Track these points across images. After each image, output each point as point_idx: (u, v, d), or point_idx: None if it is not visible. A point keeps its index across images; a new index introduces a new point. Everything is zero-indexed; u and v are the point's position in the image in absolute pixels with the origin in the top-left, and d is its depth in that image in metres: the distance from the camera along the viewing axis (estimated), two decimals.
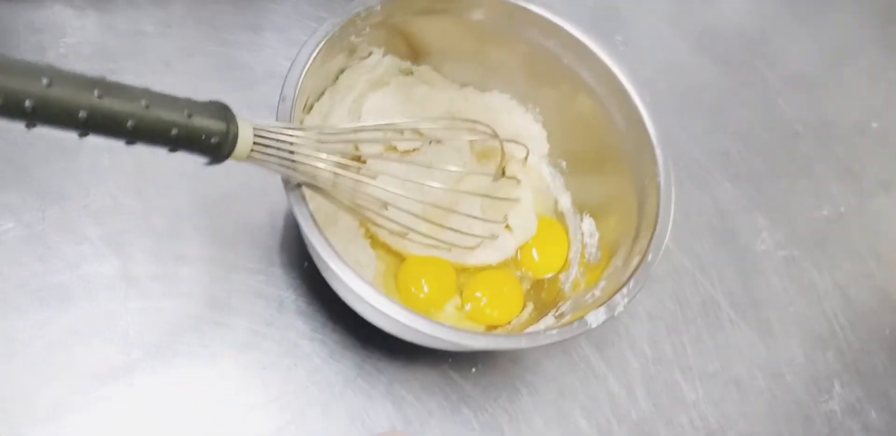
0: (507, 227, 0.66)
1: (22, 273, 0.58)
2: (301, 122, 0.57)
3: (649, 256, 0.57)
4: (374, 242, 0.65)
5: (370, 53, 0.63)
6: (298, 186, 0.51)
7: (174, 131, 0.41)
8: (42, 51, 0.66)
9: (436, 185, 0.56)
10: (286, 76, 0.54)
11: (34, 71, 0.35)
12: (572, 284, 0.66)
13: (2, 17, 0.66)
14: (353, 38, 0.59)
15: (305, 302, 0.63)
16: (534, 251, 0.68)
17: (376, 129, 0.60)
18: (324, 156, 0.49)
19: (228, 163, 0.46)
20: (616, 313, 0.54)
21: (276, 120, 0.52)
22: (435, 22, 0.64)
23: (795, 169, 0.84)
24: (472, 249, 0.65)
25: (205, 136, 0.42)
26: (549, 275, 0.68)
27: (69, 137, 0.62)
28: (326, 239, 0.50)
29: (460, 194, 0.63)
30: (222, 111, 0.43)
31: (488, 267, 0.66)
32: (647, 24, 0.87)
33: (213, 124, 0.42)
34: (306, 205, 0.51)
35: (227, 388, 0.59)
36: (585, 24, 0.62)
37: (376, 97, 0.66)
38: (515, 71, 0.68)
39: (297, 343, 0.62)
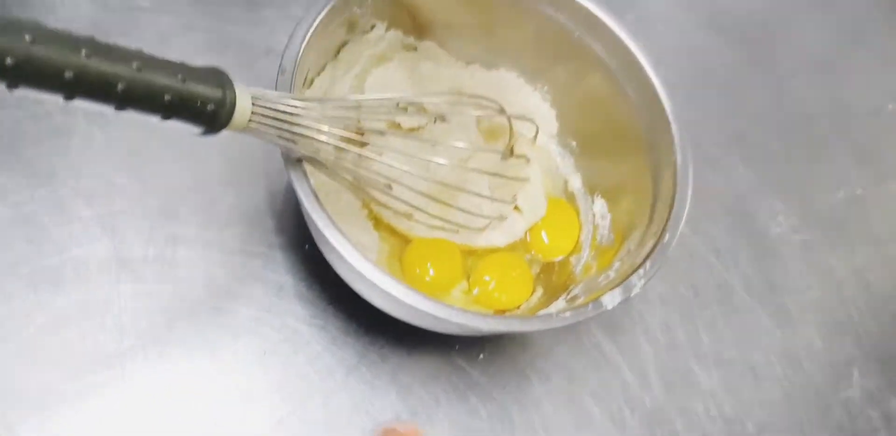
0: (516, 208, 0.64)
1: (10, 256, 0.56)
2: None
3: (666, 237, 0.54)
4: (378, 223, 0.62)
5: (372, 27, 0.61)
6: (299, 161, 0.49)
7: (167, 97, 0.38)
8: None
9: (442, 161, 0.54)
10: (286, 47, 0.52)
11: (17, 26, 0.32)
12: (584, 268, 0.64)
13: None
14: (355, 9, 0.57)
15: (306, 287, 0.61)
16: (543, 233, 0.65)
17: (379, 102, 0.57)
18: (325, 128, 0.47)
19: (224, 134, 0.43)
20: (632, 295, 0.52)
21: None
22: None
23: (811, 151, 0.82)
24: (479, 230, 0.62)
25: (200, 102, 0.40)
26: (560, 258, 0.65)
27: (59, 112, 0.61)
28: (329, 215, 0.48)
29: (468, 173, 0.61)
30: (219, 77, 0.41)
31: (496, 250, 0.64)
32: (659, 4, 0.84)
33: (209, 91, 0.40)
34: (308, 181, 0.49)
35: (225, 376, 0.57)
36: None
37: (379, 73, 0.63)
38: (524, 47, 0.65)
39: (298, 329, 0.59)
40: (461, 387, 0.61)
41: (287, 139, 0.46)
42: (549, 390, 0.63)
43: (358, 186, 0.54)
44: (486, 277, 0.62)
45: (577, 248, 0.65)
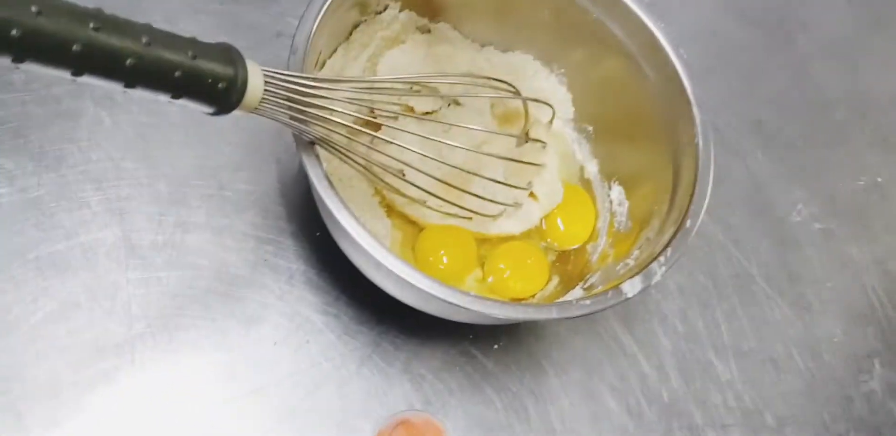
0: (532, 194, 0.62)
1: (17, 241, 0.55)
2: None
3: (687, 224, 0.53)
4: (390, 210, 0.61)
5: (386, 7, 0.59)
6: (312, 144, 0.48)
7: (177, 74, 0.37)
8: None
9: (456, 144, 0.53)
10: (297, 25, 0.50)
11: None
12: (600, 256, 0.62)
13: None
14: None
15: (317, 274, 0.60)
16: (559, 221, 0.64)
17: (393, 83, 0.56)
18: (339, 109, 0.46)
19: (234, 119, 0.42)
20: (653, 283, 0.51)
21: None
22: None
23: (831, 138, 0.80)
24: (494, 217, 0.61)
25: (211, 80, 0.38)
26: (576, 246, 0.64)
27: (66, 96, 0.60)
28: (342, 200, 0.46)
29: (482, 158, 0.59)
30: (230, 54, 0.40)
31: (511, 237, 0.63)
32: None
33: (221, 68, 0.39)
34: (320, 165, 0.47)
35: (235, 365, 0.56)
36: None
37: (392, 55, 0.62)
38: (540, 28, 0.64)
39: (310, 318, 0.58)
40: (476, 377, 0.60)
41: (299, 121, 0.45)
42: (566, 382, 0.62)
43: (370, 172, 0.53)
44: (501, 266, 0.61)
45: (593, 236, 0.64)
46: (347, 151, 0.48)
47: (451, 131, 0.62)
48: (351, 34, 0.59)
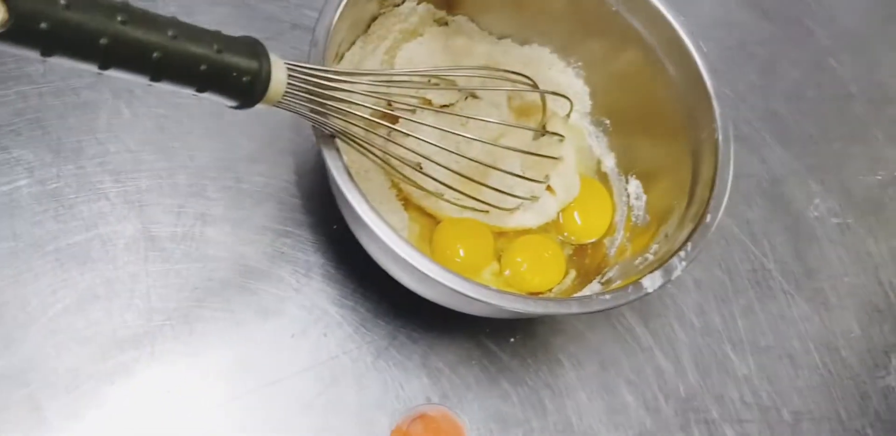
0: (549, 188, 0.62)
1: (37, 233, 0.55)
2: None
3: (707, 218, 0.53)
4: (407, 203, 0.61)
5: (404, 0, 0.59)
6: (332, 137, 0.47)
7: (203, 67, 0.37)
8: None
9: (473, 137, 0.52)
10: (318, 18, 0.50)
11: None
12: (618, 250, 0.62)
13: None
14: None
15: (334, 267, 0.60)
16: (576, 214, 0.64)
17: (411, 75, 0.56)
18: (359, 101, 0.45)
19: (252, 111, 0.42)
20: (673, 277, 0.50)
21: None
22: None
23: (848, 131, 0.79)
24: (511, 211, 0.61)
25: (236, 73, 0.38)
26: (593, 240, 0.64)
27: (85, 88, 0.60)
28: (361, 192, 0.46)
29: (499, 151, 0.59)
30: (255, 47, 0.39)
31: (528, 231, 0.63)
32: None
33: (245, 62, 0.38)
34: (341, 157, 0.47)
35: (254, 357, 0.56)
36: None
37: (410, 48, 0.62)
38: (557, 21, 0.64)
39: (327, 310, 0.58)
40: (492, 371, 0.60)
41: (319, 113, 0.45)
42: (582, 376, 0.62)
43: (388, 165, 0.53)
44: (518, 259, 0.61)
45: (610, 229, 0.64)
46: (366, 143, 0.48)
47: (468, 124, 0.61)
48: (369, 27, 0.59)
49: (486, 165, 0.55)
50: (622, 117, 0.65)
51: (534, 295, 0.61)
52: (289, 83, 0.41)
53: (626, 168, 0.65)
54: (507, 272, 0.61)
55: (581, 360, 0.62)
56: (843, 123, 0.80)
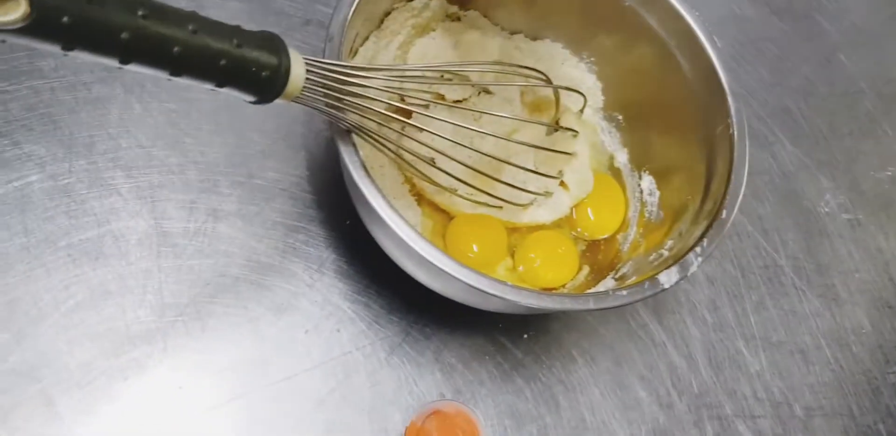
0: (563, 183, 0.62)
1: (49, 229, 0.55)
2: None
3: (723, 214, 0.53)
4: (421, 199, 0.61)
5: None
6: (347, 132, 0.47)
7: (223, 62, 0.36)
8: None
9: (487, 131, 0.52)
10: (332, 14, 0.50)
11: None
12: (632, 245, 0.62)
13: None
14: None
15: (347, 262, 0.59)
16: (589, 210, 0.63)
17: (424, 70, 0.56)
18: (374, 96, 0.45)
19: (265, 106, 0.41)
20: (689, 273, 0.50)
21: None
22: None
23: (859, 127, 0.79)
24: (524, 206, 0.61)
25: (255, 68, 0.38)
26: (606, 235, 0.64)
27: (96, 82, 0.59)
28: (377, 187, 0.46)
29: (512, 147, 0.59)
30: (274, 42, 0.39)
31: (541, 226, 0.62)
32: None
33: (265, 57, 0.38)
34: (357, 152, 0.47)
35: (266, 353, 0.56)
36: None
37: (423, 43, 0.61)
38: (570, 16, 0.63)
39: (340, 306, 0.58)
40: (506, 367, 0.60)
41: (335, 108, 0.45)
42: (595, 371, 0.62)
43: (401, 160, 0.53)
44: (532, 255, 0.61)
45: (623, 225, 0.64)
46: (381, 137, 0.48)
47: (481, 119, 0.61)
48: (382, 22, 0.58)
49: (499, 160, 0.55)
50: (635, 113, 0.65)
51: (547, 291, 0.61)
52: (307, 78, 0.41)
53: (639, 164, 0.65)
54: (520, 268, 0.61)
55: (594, 356, 0.62)
56: (853, 119, 0.79)
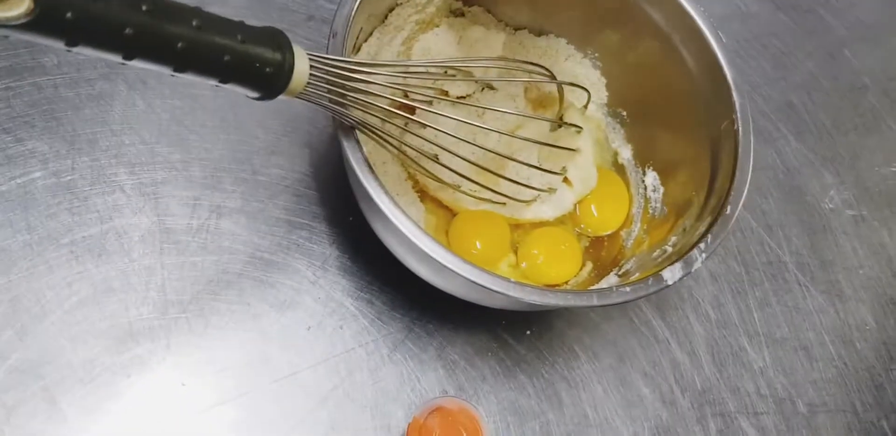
0: (566, 179, 0.62)
1: (51, 225, 0.55)
2: None
3: (727, 210, 0.52)
4: (424, 195, 0.61)
5: None
6: (351, 128, 0.47)
7: (226, 58, 0.36)
8: None
9: (490, 127, 0.52)
10: (336, 9, 0.50)
11: None
12: (635, 242, 0.62)
13: None
14: None
15: (350, 259, 0.59)
16: (593, 206, 0.63)
17: (428, 66, 0.55)
18: (377, 92, 0.45)
19: (268, 103, 0.41)
20: (693, 269, 0.50)
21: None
22: None
23: (863, 123, 0.79)
24: (528, 202, 0.60)
25: (259, 64, 0.38)
26: (610, 232, 0.63)
27: (99, 79, 0.59)
28: (380, 183, 0.46)
29: (516, 143, 0.59)
30: (278, 38, 0.39)
31: (545, 223, 0.62)
32: None
33: (269, 52, 0.38)
34: (360, 148, 0.47)
35: (270, 350, 0.56)
36: None
37: (427, 39, 0.61)
38: (574, 11, 0.63)
39: (343, 303, 0.58)
40: (508, 363, 0.60)
41: (339, 104, 0.45)
42: (598, 368, 0.62)
43: (405, 156, 0.52)
44: (535, 251, 0.61)
45: (627, 221, 0.64)
46: (384, 134, 0.48)
47: (484, 116, 0.61)
48: (386, 17, 0.58)
49: (503, 156, 0.54)
50: (639, 108, 0.65)
51: (550, 287, 0.61)
52: (310, 74, 0.41)
53: (643, 160, 0.65)
54: (523, 264, 0.61)
55: (597, 352, 0.62)
56: (858, 114, 0.79)
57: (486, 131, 0.55)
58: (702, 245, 0.51)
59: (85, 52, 0.32)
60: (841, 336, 0.68)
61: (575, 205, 0.63)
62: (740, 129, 0.55)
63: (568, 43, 0.66)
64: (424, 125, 0.50)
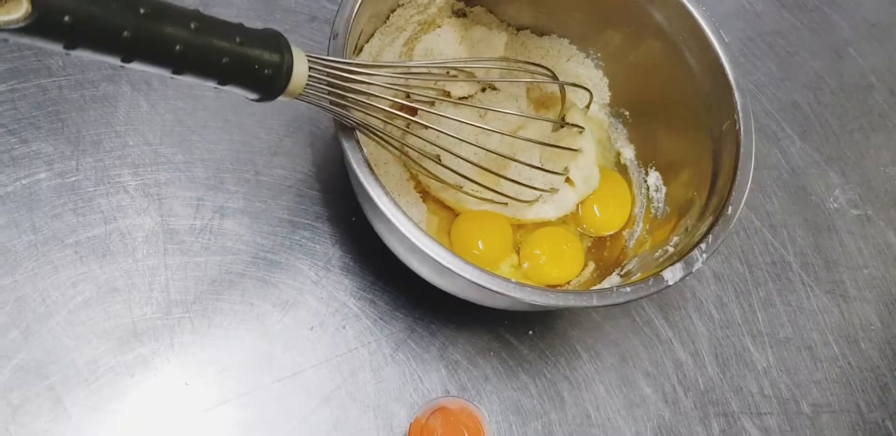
0: (568, 180, 0.62)
1: (56, 226, 0.55)
2: None
3: (729, 210, 0.52)
4: (426, 195, 0.61)
5: None
6: (352, 129, 0.47)
7: (225, 60, 0.36)
8: None
9: (492, 128, 0.52)
10: (337, 10, 0.50)
11: None
12: (637, 242, 0.62)
13: None
14: None
15: (353, 259, 0.60)
16: (595, 207, 0.63)
17: (430, 67, 0.56)
18: (379, 93, 0.45)
19: (271, 104, 0.42)
20: (694, 269, 0.50)
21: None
22: None
23: (869, 122, 0.79)
24: (530, 203, 0.60)
25: (258, 66, 0.38)
26: (612, 232, 0.63)
27: (103, 80, 0.60)
28: (381, 184, 0.46)
29: (518, 143, 0.59)
30: (277, 40, 0.39)
31: (547, 223, 0.62)
32: None
33: (268, 54, 0.38)
34: (361, 149, 0.47)
35: (273, 349, 0.56)
36: None
37: (428, 39, 0.61)
38: (576, 11, 0.63)
39: (346, 303, 0.58)
40: (510, 363, 0.60)
41: (339, 105, 0.45)
42: (600, 368, 0.62)
43: (407, 157, 0.53)
44: (537, 251, 0.61)
45: (630, 222, 0.64)
46: (386, 135, 0.48)
47: (486, 116, 0.61)
48: (388, 18, 0.58)
49: (505, 156, 0.55)
50: (641, 108, 0.65)
51: (552, 287, 0.61)
52: (310, 76, 0.41)
53: (645, 160, 0.65)
54: (525, 265, 0.61)
55: (599, 352, 0.62)
56: (863, 113, 0.79)
57: (489, 132, 0.56)
58: (703, 245, 0.51)
59: (84, 55, 0.32)
60: (845, 336, 0.68)
61: (577, 205, 0.63)
62: (742, 129, 0.54)
63: (570, 43, 0.66)
64: (426, 126, 0.50)
